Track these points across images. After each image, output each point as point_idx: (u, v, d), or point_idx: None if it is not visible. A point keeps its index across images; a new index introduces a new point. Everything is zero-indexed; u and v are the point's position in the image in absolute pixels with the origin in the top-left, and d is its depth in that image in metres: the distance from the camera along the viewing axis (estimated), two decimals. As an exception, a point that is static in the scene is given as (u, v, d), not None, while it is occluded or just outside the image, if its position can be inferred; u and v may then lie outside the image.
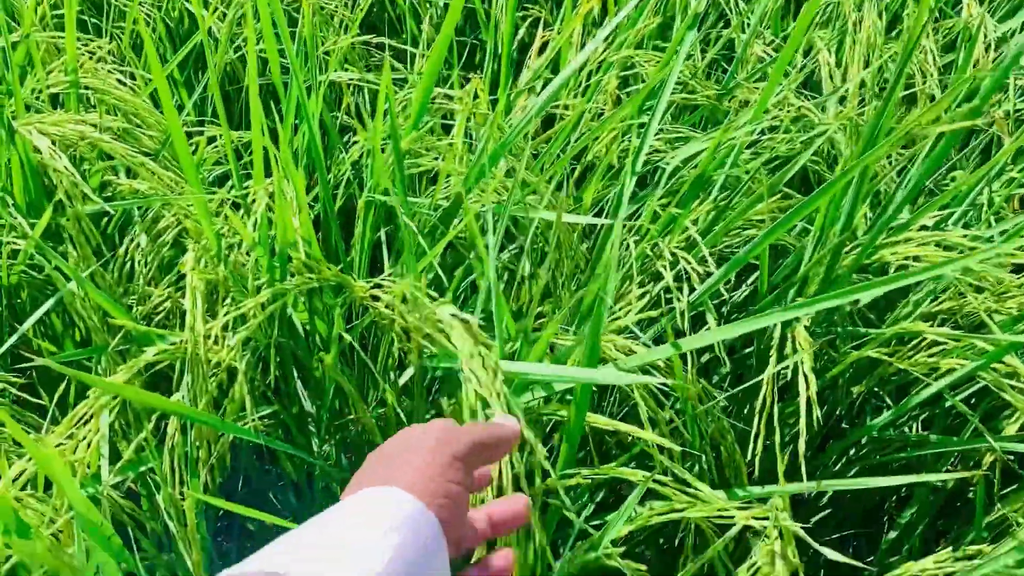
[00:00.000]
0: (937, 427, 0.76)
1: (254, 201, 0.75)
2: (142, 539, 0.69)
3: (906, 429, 0.78)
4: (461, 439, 0.44)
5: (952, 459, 0.76)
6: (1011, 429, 0.68)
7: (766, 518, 0.53)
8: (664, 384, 0.63)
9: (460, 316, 0.57)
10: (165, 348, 0.62)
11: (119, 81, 0.83)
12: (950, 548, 0.61)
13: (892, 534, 0.77)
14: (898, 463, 0.79)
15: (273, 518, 0.60)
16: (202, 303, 0.61)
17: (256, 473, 0.92)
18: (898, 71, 0.54)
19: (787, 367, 0.62)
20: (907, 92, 0.87)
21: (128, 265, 0.76)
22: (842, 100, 0.82)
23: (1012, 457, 0.69)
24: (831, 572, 0.92)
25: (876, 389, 0.77)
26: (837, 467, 0.82)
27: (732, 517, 0.54)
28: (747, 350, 0.78)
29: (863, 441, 0.75)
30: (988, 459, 0.67)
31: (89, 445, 0.56)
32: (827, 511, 0.91)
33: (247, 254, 0.68)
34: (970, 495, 0.82)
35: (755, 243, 0.60)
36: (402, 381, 0.83)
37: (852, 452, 0.79)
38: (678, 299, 0.67)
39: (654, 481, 0.58)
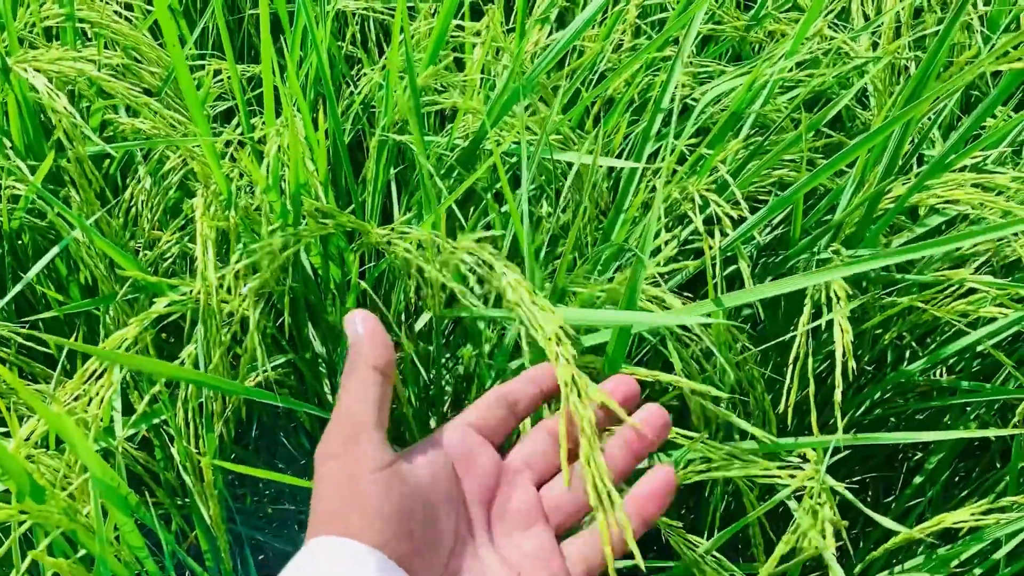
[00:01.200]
0: (965, 374, 0.74)
1: (262, 141, 0.71)
2: (157, 489, 0.68)
3: (932, 375, 0.76)
4: (357, 424, 0.41)
5: (979, 408, 0.74)
6: (1048, 378, 0.66)
7: (812, 477, 0.51)
8: (696, 336, 0.61)
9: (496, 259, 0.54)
10: (176, 299, 0.60)
11: (116, 13, 0.79)
12: (983, 499, 0.60)
13: (917, 479, 0.76)
14: (924, 411, 0.77)
15: (285, 477, 0.58)
16: (213, 251, 0.58)
17: (270, 417, 0.91)
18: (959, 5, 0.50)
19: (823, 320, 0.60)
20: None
21: (133, 209, 0.73)
22: (875, 35, 0.78)
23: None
24: (850, 515, 0.91)
25: (903, 335, 0.75)
26: (860, 414, 0.80)
27: (775, 476, 0.52)
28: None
29: (889, 388, 0.73)
30: (1021, 409, 0.65)
31: (102, 401, 0.54)
32: (847, 452, 0.90)
33: (258, 196, 0.65)
34: (992, 440, 0.81)
35: (796, 187, 0.58)
36: (418, 327, 0.81)
37: (878, 397, 0.78)
38: (708, 245, 0.64)
39: (686, 438, 0.56)
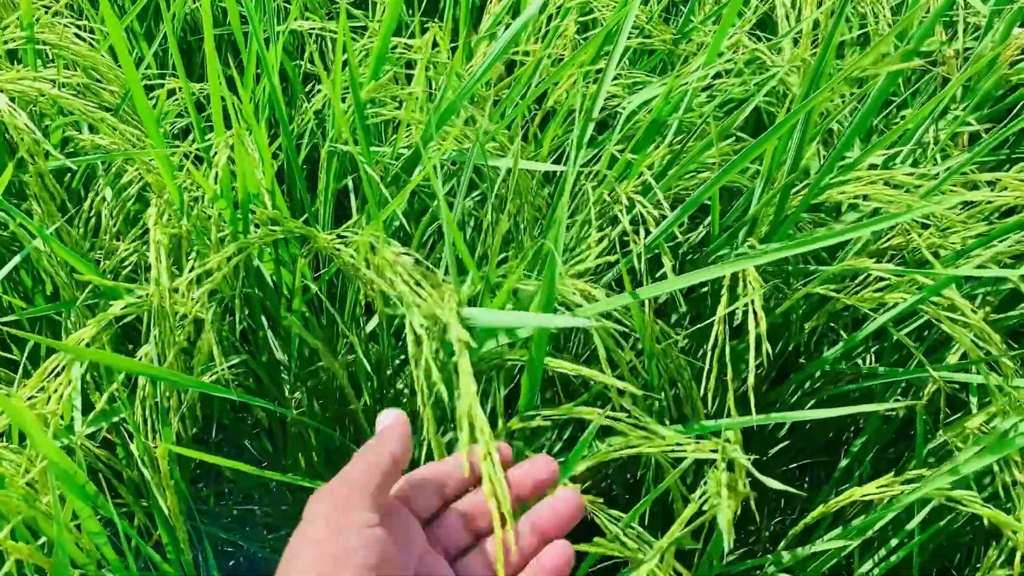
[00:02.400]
0: (886, 360, 0.79)
1: (216, 153, 0.75)
2: (119, 486, 0.71)
3: (859, 362, 0.81)
4: (353, 490, 0.43)
5: (899, 390, 0.79)
6: (952, 359, 0.71)
7: (716, 451, 0.56)
8: (623, 326, 0.65)
9: (410, 256, 0.58)
10: (132, 302, 0.63)
11: (77, 35, 0.82)
12: (893, 473, 0.64)
13: (844, 462, 0.80)
14: (852, 395, 0.82)
15: (241, 465, 0.62)
16: (166, 257, 0.62)
17: (230, 419, 0.94)
18: (840, 9, 0.55)
19: (741, 307, 0.64)
20: (862, 31, 0.88)
21: (94, 220, 0.76)
22: (796, 42, 0.83)
23: (957, 385, 0.72)
24: (787, 500, 0.96)
25: (832, 325, 0.79)
26: (794, 400, 0.85)
27: (686, 450, 0.56)
28: (703, 289, 0.81)
29: (817, 375, 0.78)
30: (931, 388, 0.70)
31: (61, 397, 0.58)
32: (786, 442, 0.95)
33: (211, 207, 0.69)
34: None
35: (706, 186, 0.62)
36: (369, 328, 0.85)
37: (807, 385, 0.82)
38: (635, 242, 0.69)
39: (609, 418, 0.60)
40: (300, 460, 0.92)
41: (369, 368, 0.81)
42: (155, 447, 0.64)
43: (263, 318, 0.85)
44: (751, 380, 0.61)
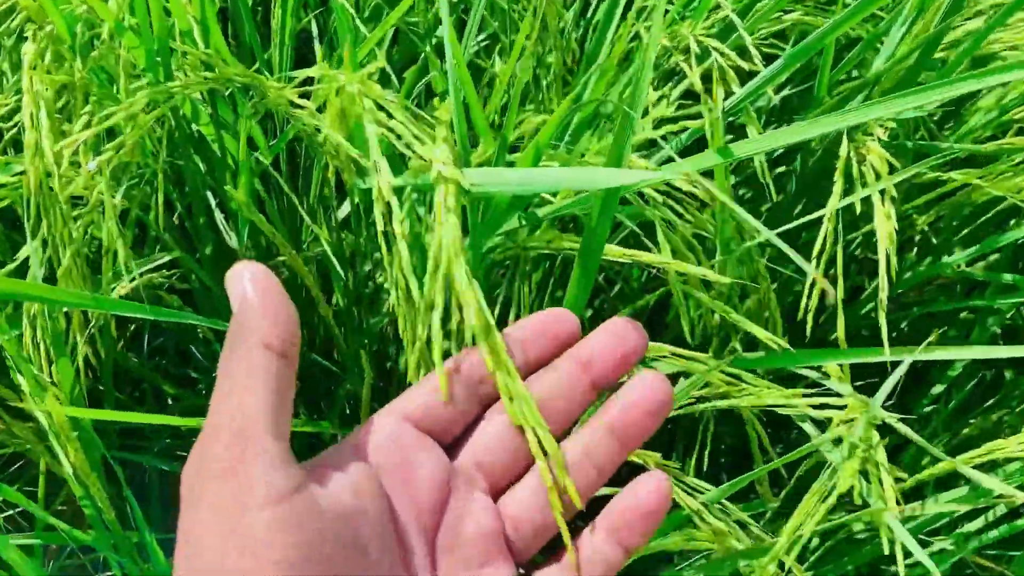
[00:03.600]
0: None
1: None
2: (11, 423, 0.54)
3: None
4: (234, 444, 0.27)
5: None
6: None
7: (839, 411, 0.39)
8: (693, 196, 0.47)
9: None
10: (5, 181, 0.44)
11: None
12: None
13: (937, 388, 0.65)
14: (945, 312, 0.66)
15: (161, 418, 0.45)
16: (49, 117, 0.42)
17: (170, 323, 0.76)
18: None
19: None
20: None
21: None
22: None
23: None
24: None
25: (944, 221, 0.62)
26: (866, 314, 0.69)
27: (796, 406, 0.40)
28: (778, 169, 0.63)
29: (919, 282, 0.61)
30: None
31: None
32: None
33: (120, 47, 0.49)
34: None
35: (827, 28, 0.43)
36: (342, 214, 0.66)
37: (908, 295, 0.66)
38: (707, 106, 0.50)
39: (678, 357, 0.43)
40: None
41: (338, 264, 0.63)
42: (52, 384, 0.46)
43: (209, 198, 0.66)
44: (883, 295, 0.44)
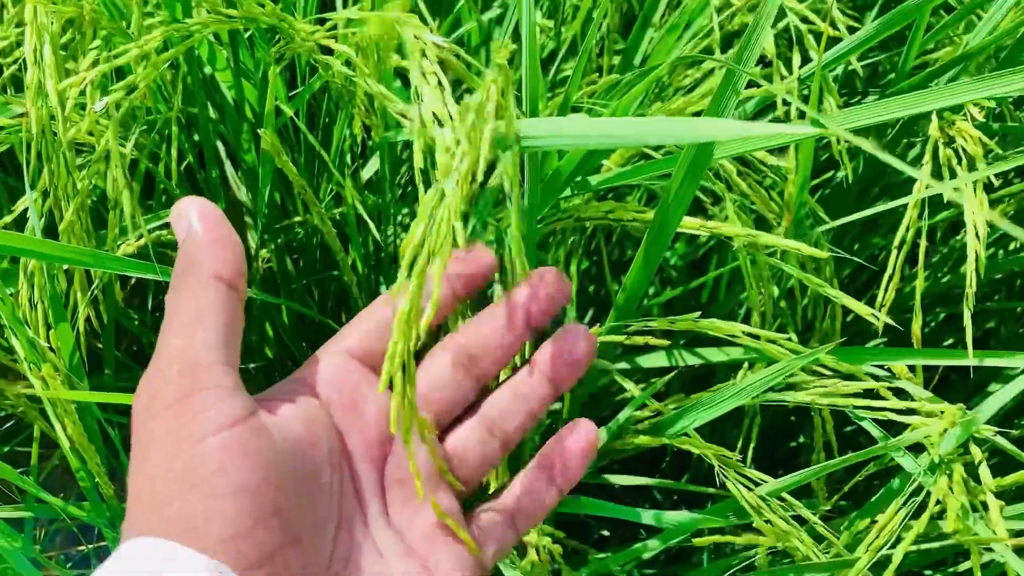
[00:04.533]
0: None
1: None
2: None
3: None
4: (183, 375, 0.28)
5: None
6: None
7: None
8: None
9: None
10: (4, 123, 0.40)
11: None
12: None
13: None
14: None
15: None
16: (54, 53, 0.38)
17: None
18: None
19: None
20: None
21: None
22: None
23: None
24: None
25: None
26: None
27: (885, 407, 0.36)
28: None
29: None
30: None
31: None
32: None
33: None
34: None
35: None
36: (366, 174, 0.62)
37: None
38: (780, 73, 0.45)
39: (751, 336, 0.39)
40: (267, 330, 0.71)
41: (369, 222, 0.58)
42: (50, 349, 0.42)
43: (220, 149, 0.61)
44: (970, 291, 0.40)
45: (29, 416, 0.51)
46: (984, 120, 0.42)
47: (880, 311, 0.42)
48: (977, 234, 0.39)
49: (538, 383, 0.34)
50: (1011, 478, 0.33)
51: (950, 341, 0.70)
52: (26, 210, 0.43)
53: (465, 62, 0.35)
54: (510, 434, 0.34)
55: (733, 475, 0.39)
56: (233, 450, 0.27)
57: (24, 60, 0.51)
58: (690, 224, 0.38)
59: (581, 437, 0.35)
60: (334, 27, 0.41)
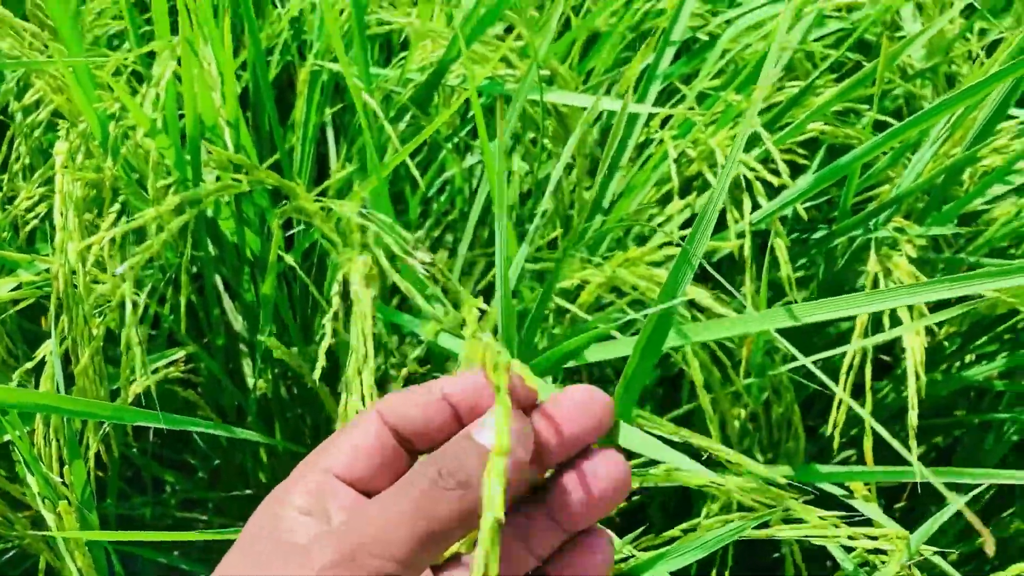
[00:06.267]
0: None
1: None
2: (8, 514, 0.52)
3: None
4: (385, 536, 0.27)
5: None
6: None
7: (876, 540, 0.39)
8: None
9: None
10: (29, 280, 0.44)
11: None
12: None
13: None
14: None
15: (174, 535, 0.43)
16: (76, 216, 0.42)
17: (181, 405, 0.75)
18: None
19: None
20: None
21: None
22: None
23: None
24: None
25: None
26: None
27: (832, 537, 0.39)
28: (798, 273, 0.63)
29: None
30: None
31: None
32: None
33: (139, 139, 0.49)
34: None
35: (865, 149, 0.44)
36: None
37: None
38: (734, 216, 0.50)
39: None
40: (261, 454, 0.73)
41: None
42: (63, 483, 0.45)
43: (220, 287, 0.65)
44: (912, 419, 0.44)
45: (35, 547, 0.53)
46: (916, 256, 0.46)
47: (834, 430, 0.46)
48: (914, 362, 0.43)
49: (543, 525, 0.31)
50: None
51: (922, 449, 0.73)
52: (44, 357, 0.46)
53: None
54: None
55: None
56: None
57: (43, 215, 0.56)
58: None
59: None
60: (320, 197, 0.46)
